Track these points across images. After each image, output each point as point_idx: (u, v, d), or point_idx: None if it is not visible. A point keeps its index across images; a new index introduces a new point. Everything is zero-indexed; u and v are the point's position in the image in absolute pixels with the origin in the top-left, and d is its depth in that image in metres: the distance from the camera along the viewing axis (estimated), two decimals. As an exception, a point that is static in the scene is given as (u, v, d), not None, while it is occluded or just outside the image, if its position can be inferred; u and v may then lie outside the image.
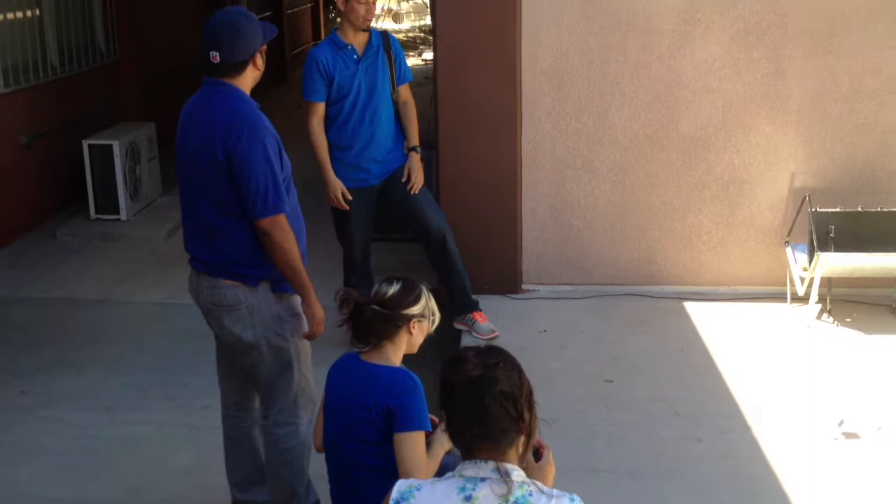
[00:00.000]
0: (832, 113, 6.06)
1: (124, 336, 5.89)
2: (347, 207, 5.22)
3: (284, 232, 3.38)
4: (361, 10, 5.11)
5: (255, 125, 3.37)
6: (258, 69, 3.49)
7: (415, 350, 3.14)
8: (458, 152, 5.97)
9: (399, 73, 5.33)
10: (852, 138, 6.10)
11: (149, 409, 4.95)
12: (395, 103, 5.32)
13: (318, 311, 3.48)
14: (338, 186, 5.20)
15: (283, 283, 3.50)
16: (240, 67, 3.43)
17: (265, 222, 3.35)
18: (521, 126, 6.04)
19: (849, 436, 4.34)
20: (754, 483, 4.02)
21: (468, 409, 2.18)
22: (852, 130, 6.08)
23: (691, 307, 6.00)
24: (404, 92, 5.37)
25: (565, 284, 6.24)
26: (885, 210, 5.80)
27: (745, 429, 4.47)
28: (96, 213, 7.92)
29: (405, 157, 5.37)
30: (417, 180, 5.29)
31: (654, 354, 5.35)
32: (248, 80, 3.47)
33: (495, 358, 2.27)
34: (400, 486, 2.17)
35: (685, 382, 4.98)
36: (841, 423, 4.37)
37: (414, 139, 5.37)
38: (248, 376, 3.65)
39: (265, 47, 3.50)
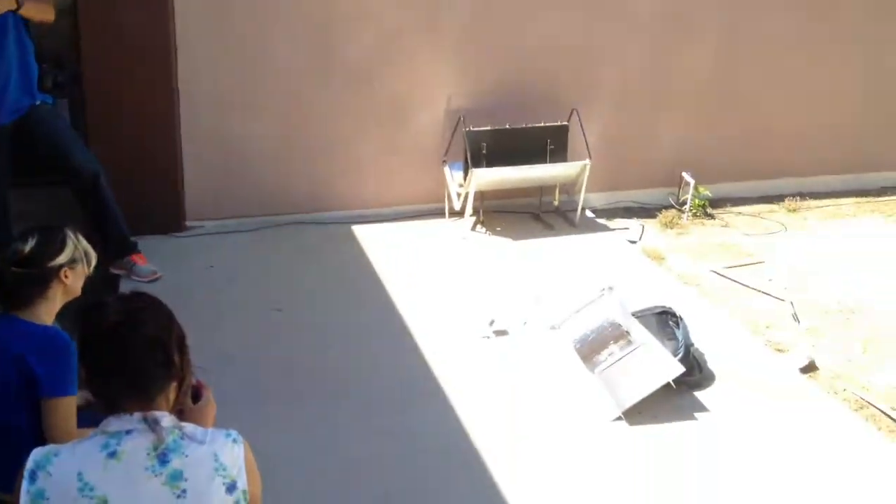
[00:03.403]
0: (483, 38, 6.35)
1: None
2: None
3: None
4: None
5: None
6: None
7: (77, 293, 2.94)
8: (107, 86, 5.62)
9: None
10: (501, 62, 6.43)
11: None
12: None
13: None
14: None
15: None
16: None
17: None
18: (177, 58, 5.79)
19: (499, 333, 4.70)
20: (420, 385, 4.24)
21: (110, 359, 2.04)
22: (501, 54, 6.41)
23: (359, 230, 6.14)
24: None
25: (232, 218, 6.15)
26: (529, 126, 6.22)
27: (412, 339, 4.68)
28: None
29: (38, 97, 4.94)
30: None
31: (325, 280, 5.43)
32: None
33: (139, 302, 2.16)
34: (35, 455, 1.96)
35: (356, 303, 5.11)
36: (492, 322, 4.71)
37: None
38: None
39: None
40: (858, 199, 7.06)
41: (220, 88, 5.97)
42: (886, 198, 7.13)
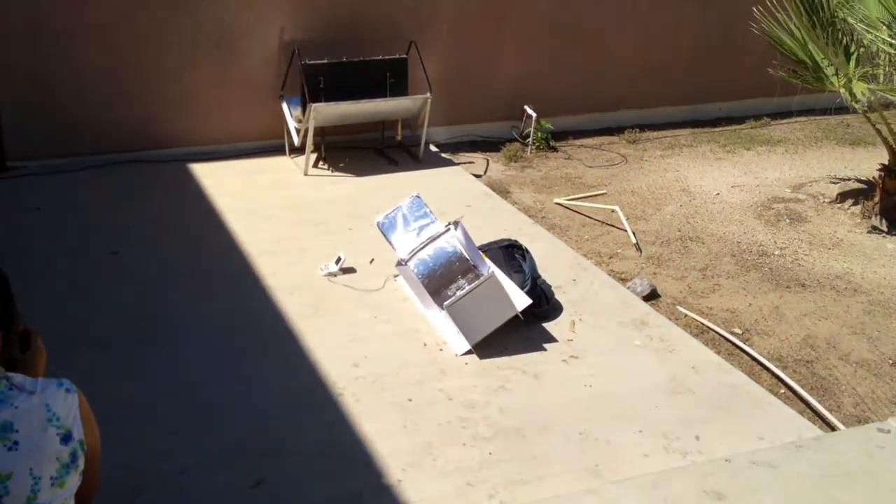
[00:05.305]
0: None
1: None
2: None
3: None
4: None
5: None
6: None
7: None
8: None
9: None
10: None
11: None
12: None
13: None
14: None
15: None
16: None
17: None
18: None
19: (346, 271, 4.61)
20: (267, 327, 4.10)
21: None
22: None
23: (195, 168, 5.90)
24: None
25: (56, 158, 5.79)
26: (367, 59, 6.08)
27: (257, 280, 4.53)
28: None
29: None
30: None
31: (162, 221, 5.19)
32: None
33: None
34: None
35: (197, 245, 4.90)
36: (339, 260, 4.60)
37: None
38: None
39: None
40: (695, 130, 7.28)
41: (31, 14, 5.56)
42: (721, 128, 7.38)
